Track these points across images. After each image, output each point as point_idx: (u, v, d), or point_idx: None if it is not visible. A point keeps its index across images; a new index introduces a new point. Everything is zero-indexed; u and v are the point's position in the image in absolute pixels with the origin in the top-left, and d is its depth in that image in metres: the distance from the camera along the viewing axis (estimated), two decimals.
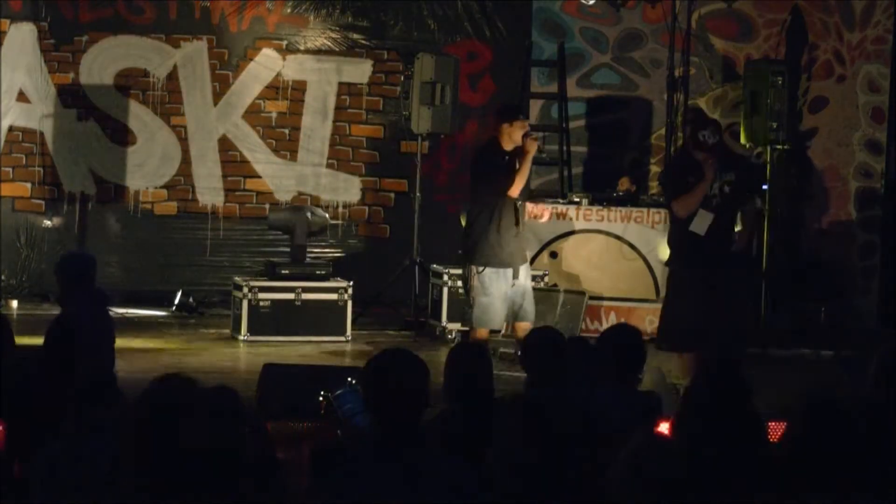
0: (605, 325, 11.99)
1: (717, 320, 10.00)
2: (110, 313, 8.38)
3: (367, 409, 4.66)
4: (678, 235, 10.22)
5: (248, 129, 13.83)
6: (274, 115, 13.88)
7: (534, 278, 12.22)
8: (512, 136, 10.13)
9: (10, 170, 13.50)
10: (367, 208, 14.02)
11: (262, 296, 11.93)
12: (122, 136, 13.66)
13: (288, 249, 12.60)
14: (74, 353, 6.57)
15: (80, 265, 8.28)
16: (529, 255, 12.61)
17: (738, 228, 10.39)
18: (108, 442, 5.24)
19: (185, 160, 13.76)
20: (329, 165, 13.96)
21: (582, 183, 13.94)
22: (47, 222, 13.56)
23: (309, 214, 12.56)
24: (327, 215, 12.96)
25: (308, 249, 12.61)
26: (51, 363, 6.46)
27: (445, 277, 12.24)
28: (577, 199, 12.77)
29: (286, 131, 13.91)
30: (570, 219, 12.65)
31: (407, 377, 4.54)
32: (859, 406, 5.08)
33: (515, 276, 10.20)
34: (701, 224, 10.04)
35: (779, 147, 13.22)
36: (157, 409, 4.96)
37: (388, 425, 4.50)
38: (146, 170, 13.74)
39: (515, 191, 10.14)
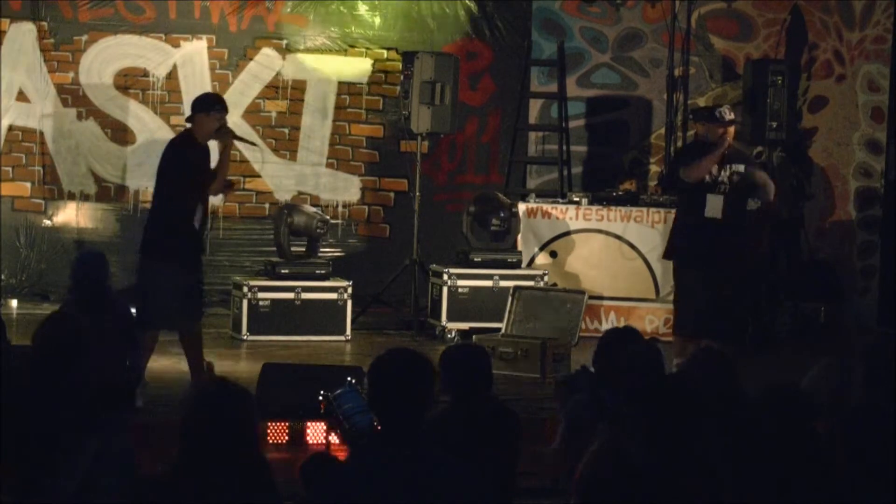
0: (605, 325, 12.02)
1: (716, 310, 10.07)
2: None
3: (371, 408, 4.65)
4: (679, 224, 10.33)
5: (247, 128, 13.82)
6: (274, 114, 13.86)
7: (533, 278, 12.26)
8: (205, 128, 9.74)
9: (10, 169, 13.49)
10: (366, 208, 14.01)
11: (261, 295, 11.93)
12: (122, 135, 13.64)
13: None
14: (74, 354, 6.57)
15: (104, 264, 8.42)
16: (528, 254, 12.67)
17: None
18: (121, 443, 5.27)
19: None
20: (329, 165, 13.95)
21: (582, 183, 13.95)
22: (47, 222, 13.55)
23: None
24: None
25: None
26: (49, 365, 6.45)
27: (445, 277, 12.25)
28: (576, 199, 12.77)
29: (286, 131, 13.90)
30: (570, 218, 12.66)
31: (412, 377, 4.53)
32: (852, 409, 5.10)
33: None
34: (714, 208, 10.05)
35: (778, 147, 13.24)
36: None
37: (392, 424, 4.49)
38: (146, 170, 13.69)
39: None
